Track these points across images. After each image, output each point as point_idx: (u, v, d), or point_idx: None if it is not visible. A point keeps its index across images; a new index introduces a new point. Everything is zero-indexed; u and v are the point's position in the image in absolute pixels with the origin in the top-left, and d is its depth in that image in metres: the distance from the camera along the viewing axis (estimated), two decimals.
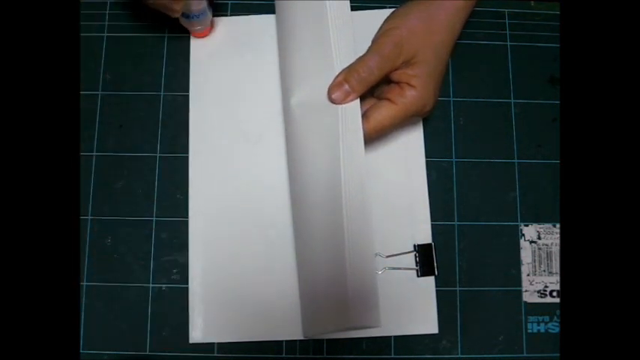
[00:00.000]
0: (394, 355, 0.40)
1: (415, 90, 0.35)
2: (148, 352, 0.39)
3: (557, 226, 0.42)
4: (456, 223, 0.42)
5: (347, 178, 0.34)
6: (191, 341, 0.39)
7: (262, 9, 0.44)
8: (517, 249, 0.42)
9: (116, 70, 0.43)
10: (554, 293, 0.41)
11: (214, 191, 0.41)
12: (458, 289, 0.41)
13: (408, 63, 0.35)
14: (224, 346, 0.39)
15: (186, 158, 0.42)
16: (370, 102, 0.37)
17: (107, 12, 0.44)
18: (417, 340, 0.40)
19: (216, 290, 0.40)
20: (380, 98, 0.37)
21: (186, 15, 0.39)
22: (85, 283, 0.40)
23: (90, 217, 0.41)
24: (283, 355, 0.39)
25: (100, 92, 0.43)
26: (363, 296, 0.32)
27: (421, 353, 0.40)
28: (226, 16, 0.44)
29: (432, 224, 0.41)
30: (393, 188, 0.42)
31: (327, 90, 0.35)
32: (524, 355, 0.40)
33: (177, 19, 0.40)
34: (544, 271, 0.41)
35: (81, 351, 0.39)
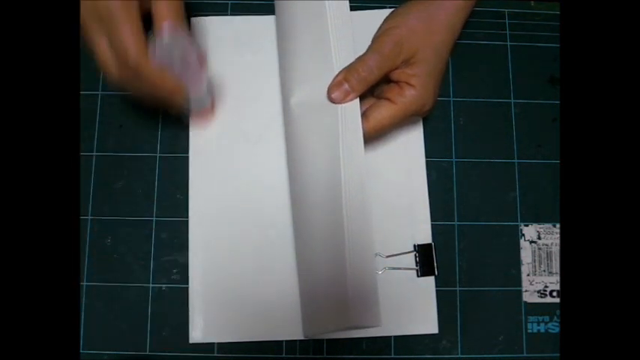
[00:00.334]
0: (394, 355, 0.40)
1: (415, 89, 0.35)
2: (147, 352, 0.39)
3: (557, 226, 0.42)
4: (456, 223, 0.42)
5: (347, 177, 0.34)
6: (191, 341, 0.39)
7: (262, 9, 0.44)
8: (517, 249, 0.42)
9: None
10: (554, 293, 0.41)
11: (214, 191, 0.41)
12: (458, 289, 0.41)
13: (407, 62, 0.36)
14: (224, 346, 0.39)
15: (186, 158, 0.42)
16: (370, 101, 0.37)
17: None
18: (417, 340, 0.40)
19: (216, 290, 0.40)
20: (379, 98, 0.37)
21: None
22: (85, 283, 0.40)
23: (90, 217, 0.41)
24: (283, 355, 0.39)
25: (100, 92, 0.43)
26: (363, 296, 0.32)
27: (421, 353, 0.40)
28: (226, 15, 0.44)
29: (432, 224, 0.41)
30: (393, 188, 0.42)
31: (326, 89, 0.35)
32: (524, 355, 0.40)
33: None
34: (544, 271, 0.41)
35: (81, 351, 0.39)
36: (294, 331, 0.39)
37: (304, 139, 0.37)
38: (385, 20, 0.37)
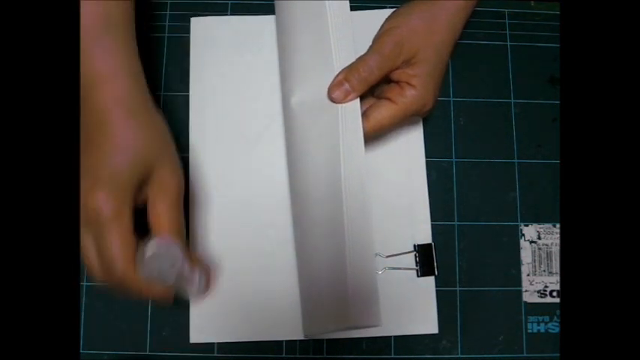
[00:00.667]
0: (394, 355, 0.40)
1: (415, 89, 0.35)
2: (147, 352, 0.39)
3: (557, 226, 0.42)
4: (456, 223, 0.42)
5: (347, 177, 0.34)
6: (191, 341, 0.39)
7: (262, 9, 0.44)
8: (517, 249, 0.42)
9: None
10: (554, 293, 0.41)
11: (214, 191, 0.41)
12: (458, 289, 0.41)
13: (408, 62, 0.35)
14: (224, 346, 0.39)
15: (187, 158, 0.42)
16: (370, 101, 0.37)
17: None
18: (417, 340, 0.40)
19: (216, 290, 0.40)
20: (380, 97, 0.37)
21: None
22: (85, 283, 0.40)
23: None
24: (283, 355, 0.39)
25: None
26: (363, 296, 0.32)
27: (421, 353, 0.40)
28: (226, 15, 0.44)
29: (432, 224, 0.41)
30: (393, 188, 0.42)
31: (327, 89, 0.35)
32: (524, 355, 0.40)
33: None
34: (544, 271, 0.41)
35: (81, 351, 0.39)
36: (294, 331, 0.39)
37: (304, 138, 0.37)
38: (386, 20, 0.37)
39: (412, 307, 0.40)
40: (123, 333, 0.39)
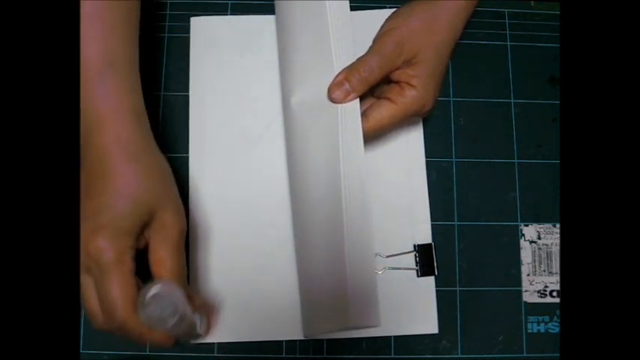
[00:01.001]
0: (394, 355, 0.40)
1: (415, 90, 0.35)
2: (148, 352, 0.39)
3: (557, 226, 0.42)
4: (456, 223, 0.42)
5: (346, 177, 0.34)
6: (191, 341, 0.39)
7: (262, 9, 0.44)
8: (517, 249, 0.42)
9: None
10: (554, 293, 0.41)
11: (214, 191, 0.41)
12: (458, 289, 0.41)
13: (408, 63, 0.35)
14: (224, 346, 0.39)
15: (187, 158, 0.42)
16: (370, 101, 0.37)
17: None
18: (417, 340, 0.40)
19: (217, 290, 0.40)
20: (380, 98, 0.37)
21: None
22: None
23: None
24: (283, 355, 0.39)
25: None
26: (363, 296, 0.32)
27: (421, 353, 0.40)
28: (226, 15, 0.44)
29: (432, 224, 0.41)
30: (393, 188, 0.42)
31: (326, 89, 0.35)
32: (524, 355, 0.40)
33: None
34: (544, 271, 0.41)
35: (81, 351, 0.39)
36: (294, 331, 0.39)
37: (304, 138, 0.37)
38: (387, 20, 0.37)
39: (412, 307, 0.40)
40: None
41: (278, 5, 0.41)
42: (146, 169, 0.31)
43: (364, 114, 0.36)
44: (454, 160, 0.43)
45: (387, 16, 0.38)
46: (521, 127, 0.43)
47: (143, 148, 0.31)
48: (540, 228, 0.42)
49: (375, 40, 0.36)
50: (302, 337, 0.39)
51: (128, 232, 0.29)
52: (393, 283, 0.40)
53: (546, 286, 0.41)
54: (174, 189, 0.33)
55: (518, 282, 0.41)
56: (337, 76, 0.35)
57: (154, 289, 0.28)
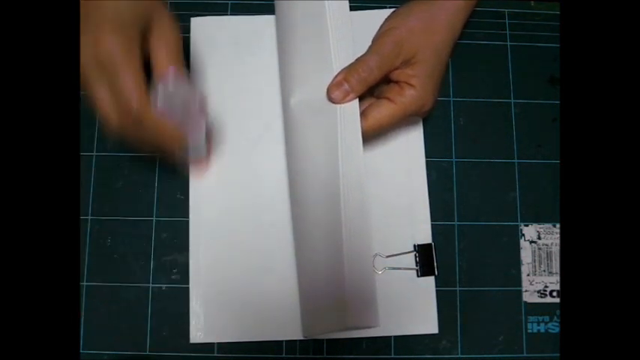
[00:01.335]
0: (394, 355, 0.40)
1: (414, 90, 0.35)
2: (147, 352, 0.39)
3: (557, 226, 0.42)
4: (456, 223, 0.42)
5: (345, 177, 0.34)
6: (191, 341, 0.39)
7: (262, 9, 0.44)
8: (517, 249, 0.42)
9: None
10: (554, 293, 0.41)
11: (214, 191, 0.41)
12: (458, 289, 0.41)
13: (407, 62, 0.36)
14: (224, 346, 0.39)
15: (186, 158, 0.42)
16: (369, 101, 0.37)
17: None
18: (417, 340, 0.40)
19: (217, 290, 0.40)
20: (379, 97, 0.37)
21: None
22: (85, 283, 0.40)
23: (90, 217, 0.41)
24: (283, 355, 0.39)
25: None
26: (361, 296, 0.32)
27: (421, 353, 0.40)
28: (226, 15, 0.44)
29: (432, 224, 0.41)
30: (393, 188, 0.42)
31: (326, 89, 0.35)
32: (524, 355, 0.40)
33: None
34: (544, 271, 0.41)
35: (81, 351, 0.39)
36: (294, 331, 0.39)
37: (303, 139, 0.37)
38: (386, 20, 0.37)
39: (412, 307, 0.40)
40: (123, 333, 0.39)
41: (278, 5, 0.41)
42: None
43: (363, 113, 0.36)
44: (454, 160, 0.43)
45: (386, 17, 0.38)
46: (521, 127, 0.43)
47: None
48: (540, 228, 0.42)
49: (374, 40, 0.36)
50: (302, 338, 0.39)
51: (132, 24, 0.30)
52: (393, 283, 0.40)
53: (546, 286, 0.41)
54: (167, 9, 0.34)
55: (518, 282, 0.41)
56: (336, 76, 0.35)
57: (162, 82, 0.31)
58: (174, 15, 0.33)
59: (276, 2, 0.42)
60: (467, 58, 0.44)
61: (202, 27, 0.44)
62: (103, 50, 0.29)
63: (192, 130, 0.34)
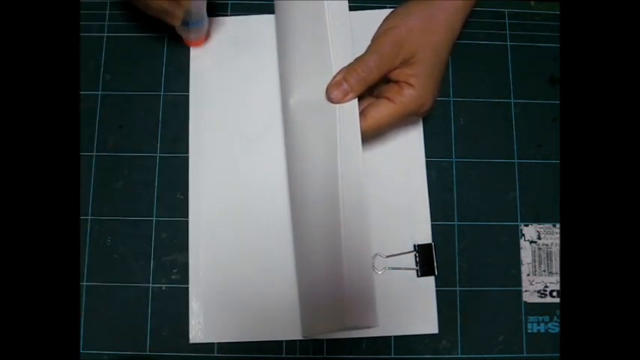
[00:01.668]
0: (394, 355, 0.40)
1: (414, 89, 0.35)
2: (147, 352, 0.39)
3: (557, 226, 0.42)
4: (456, 223, 0.42)
5: (344, 177, 0.34)
6: (191, 341, 0.39)
7: (262, 9, 0.44)
8: (517, 249, 0.42)
9: (116, 70, 0.43)
10: (554, 293, 0.41)
11: (214, 191, 0.41)
12: (458, 289, 0.41)
13: (407, 62, 0.35)
14: (224, 346, 0.39)
15: (186, 158, 0.42)
16: (368, 100, 0.37)
17: (107, 12, 0.44)
18: (417, 340, 0.40)
19: (217, 290, 0.40)
20: (378, 97, 0.37)
21: (185, 22, 0.39)
22: (85, 283, 0.40)
23: (90, 217, 0.41)
24: (283, 355, 0.39)
25: (99, 92, 0.43)
26: (360, 296, 0.32)
27: (421, 353, 0.40)
28: (226, 16, 0.44)
29: (432, 224, 0.41)
30: (393, 188, 0.42)
31: (325, 89, 0.35)
32: (524, 355, 0.40)
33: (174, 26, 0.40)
34: (544, 271, 0.41)
35: (81, 351, 0.39)
36: (294, 331, 0.39)
37: (303, 138, 0.37)
38: (385, 20, 0.37)
39: (412, 307, 0.40)
40: (123, 333, 0.39)
41: (278, 5, 0.41)
42: None
43: (362, 113, 0.36)
44: (454, 160, 0.43)
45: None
46: (521, 127, 0.43)
47: None
48: (540, 228, 0.42)
49: (373, 40, 0.36)
50: (302, 338, 0.39)
51: None
52: (393, 283, 0.40)
53: (546, 286, 0.41)
54: None
55: (518, 282, 0.41)
56: (335, 76, 0.35)
57: None
58: None
59: (275, 2, 0.42)
60: (467, 58, 0.44)
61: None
62: None
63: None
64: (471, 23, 0.42)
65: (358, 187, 0.34)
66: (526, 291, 0.41)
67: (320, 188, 0.35)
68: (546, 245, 0.42)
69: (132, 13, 0.44)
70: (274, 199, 0.41)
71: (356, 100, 0.35)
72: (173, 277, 0.40)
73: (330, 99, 0.35)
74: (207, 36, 0.43)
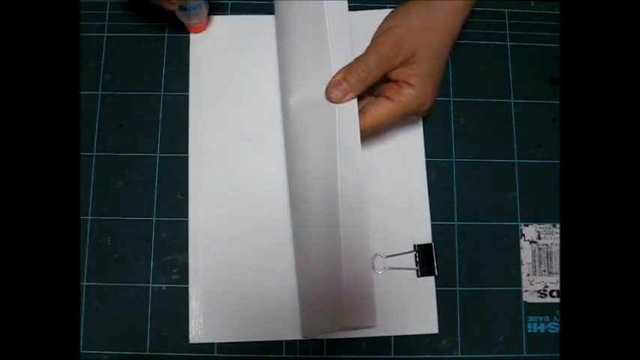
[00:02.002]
0: (394, 355, 0.40)
1: (413, 89, 0.35)
2: (147, 352, 0.39)
3: (557, 226, 0.42)
4: (456, 223, 0.42)
5: (343, 177, 0.34)
6: (191, 341, 0.39)
7: (262, 9, 0.44)
8: (517, 249, 0.42)
9: (116, 70, 0.43)
10: (554, 293, 0.41)
11: (214, 191, 0.41)
12: (458, 289, 0.41)
13: (406, 62, 0.35)
14: (224, 346, 0.39)
15: (186, 158, 0.42)
16: (368, 100, 0.37)
17: (107, 12, 0.44)
18: (417, 340, 0.40)
19: (217, 290, 0.40)
20: (378, 96, 0.37)
21: (184, 7, 0.39)
22: (85, 283, 0.40)
23: (90, 217, 0.41)
24: (283, 355, 0.39)
25: (99, 92, 0.43)
26: (359, 296, 0.32)
27: (421, 353, 0.40)
28: (226, 15, 0.44)
29: (432, 224, 0.41)
30: (393, 188, 0.42)
31: (324, 89, 0.35)
32: (524, 355, 0.40)
33: (175, 15, 0.40)
34: (544, 271, 0.41)
35: (81, 351, 0.39)
36: (294, 331, 0.39)
37: (302, 138, 0.37)
38: (384, 20, 0.37)
39: (412, 307, 0.40)
40: (123, 333, 0.39)
41: (277, 5, 0.41)
42: None
43: (362, 111, 0.36)
44: (454, 160, 0.43)
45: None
46: (521, 127, 0.43)
47: None
48: (540, 228, 0.42)
49: (372, 40, 0.36)
50: (302, 338, 0.39)
51: None
52: (393, 283, 0.40)
53: (546, 286, 0.41)
54: None
55: (518, 282, 0.41)
56: (335, 75, 0.35)
57: None
58: None
59: (275, 2, 0.42)
60: (467, 58, 0.44)
61: None
62: None
63: None
64: (471, 23, 0.42)
65: (358, 187, 0.34)
66: (526, 291, 0.41)
67: (319, 188, 0.35)
68: (546, 245, 0.42)
69: (132, 13, 0.44)
70: (274, 199, 0.41)
71: (355, 100, 0.35)
72: (173, 277, 0.40)
73: (329, 99, 0.35)
74: (207, 21, 0.43)
